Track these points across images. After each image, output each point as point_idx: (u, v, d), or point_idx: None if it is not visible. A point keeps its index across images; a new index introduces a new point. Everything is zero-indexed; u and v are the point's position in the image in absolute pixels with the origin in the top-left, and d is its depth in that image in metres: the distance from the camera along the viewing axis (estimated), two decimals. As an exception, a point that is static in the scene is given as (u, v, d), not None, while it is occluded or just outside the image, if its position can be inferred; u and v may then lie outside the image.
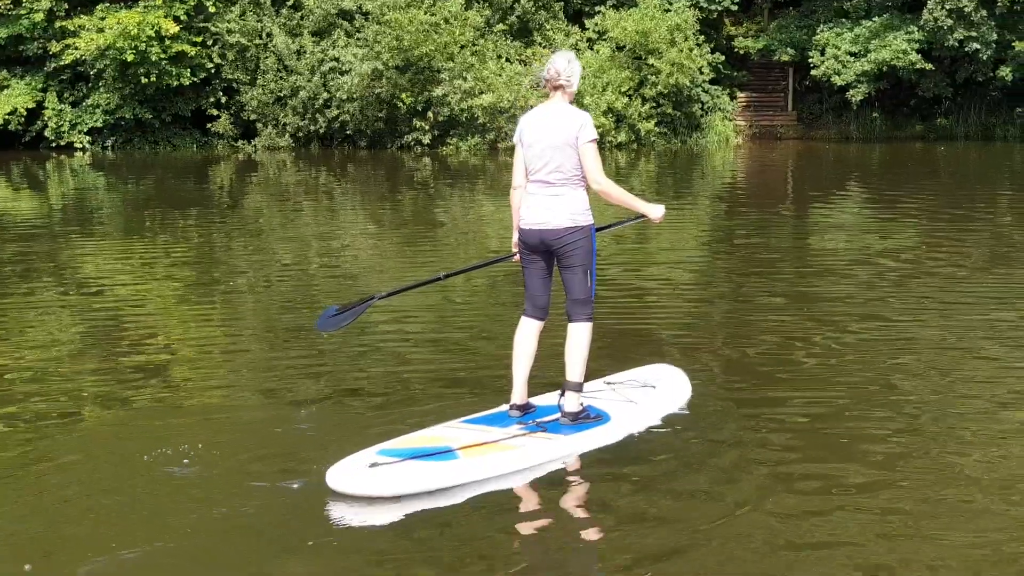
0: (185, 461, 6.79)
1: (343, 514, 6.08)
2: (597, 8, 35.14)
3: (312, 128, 33.87)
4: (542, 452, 6.74)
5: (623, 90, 32.93)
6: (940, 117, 37.05)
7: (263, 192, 24.59)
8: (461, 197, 22.84)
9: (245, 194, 24.25)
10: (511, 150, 30.27)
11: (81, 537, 5.81)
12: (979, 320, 10.40)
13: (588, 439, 6.96)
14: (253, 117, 34.46)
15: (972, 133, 36.37)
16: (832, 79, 34.85)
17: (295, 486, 6.40)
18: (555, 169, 7.04)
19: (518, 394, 7.23)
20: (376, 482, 6.23)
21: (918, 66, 33.92)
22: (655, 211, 7.40)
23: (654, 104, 33.54)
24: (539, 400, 7.45)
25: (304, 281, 13.65)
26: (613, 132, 32.64)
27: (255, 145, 34.31)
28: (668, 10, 34.36)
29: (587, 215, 7.10)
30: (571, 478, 6.63)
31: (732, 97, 37.48)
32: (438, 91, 31.87)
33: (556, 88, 7.14)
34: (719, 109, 36.09)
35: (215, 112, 34.87)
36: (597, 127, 31.48)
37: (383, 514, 6.08)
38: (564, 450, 6.82)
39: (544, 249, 7.16)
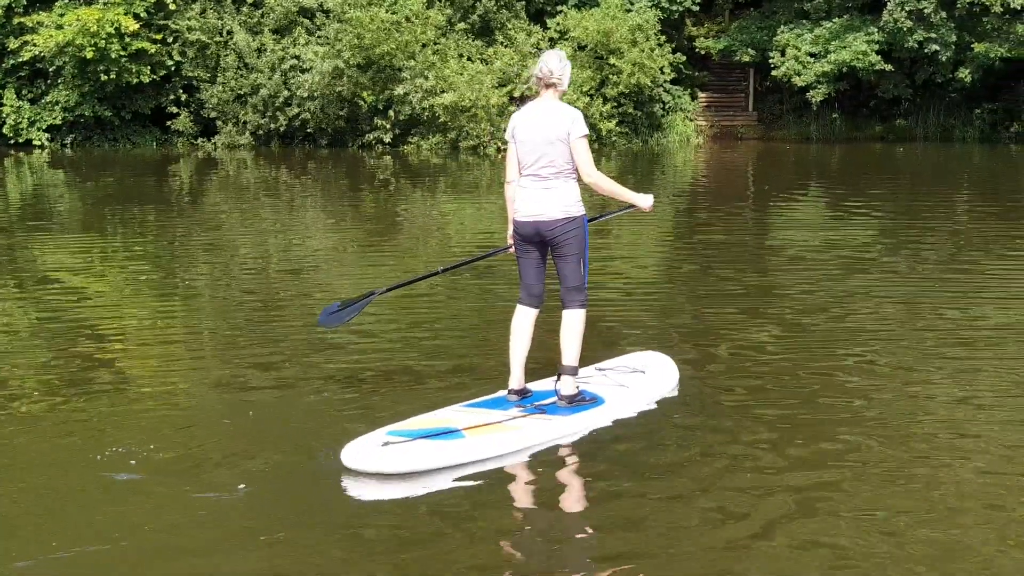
0: (132, 462, 6.75)
1: (350, 492, 6.30)
2: (559, 8, 35.16)
3: (272, 126, 33.72)
4: (542, 433, 7.13)
5: (584, 90, 32.95)
6: (899, 118, 37.22)
7: (222, 190, 24.52)
8: (422, 196, 22.82)
9: (204, 192, 24.17)
10: (472, 149, 30.79)
11: (24, 535, 5.82)
12: (937, 311, 10.75)
13: (584, 420, 7.37)
14: (213, 115, 34.29)
15: (931, 134, 36.55)
16: (792, 80, 34.97)
17: (241, 486, 6.39)
18: (547, 164, 7.39)
19: (515, 379, 7.60)
20: (389, 460, 6.58)
21: (878, 67, 34.08)
22: (644, 201, 7.82)
23: (615, 104, 33.58)
24: (534, 385, 7.80)
25: (262, 278, 13.63)
26: (574, 132, 32.56)
27: (215, 143, 34.15)
28: (629, 10, 34.41)
29: (579, 206, 7.47)
30: (569, 457, 6.98)
31: (693, 97, 37.59)
32: (399, 90, 31.80)
33: (548, 86, 7.47)
34: (680, 109, 36.19)
35: (175, 110, 34.67)
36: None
37: (388, 491, 6.43)
38: (562, 431, 7.22)
39: (539, 240, 7.51)
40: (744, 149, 35.13)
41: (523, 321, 7.63)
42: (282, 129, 33.78)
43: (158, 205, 21.32)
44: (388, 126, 32.51)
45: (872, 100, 37.13)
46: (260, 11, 34.59)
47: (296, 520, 5.98)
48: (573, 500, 6.46)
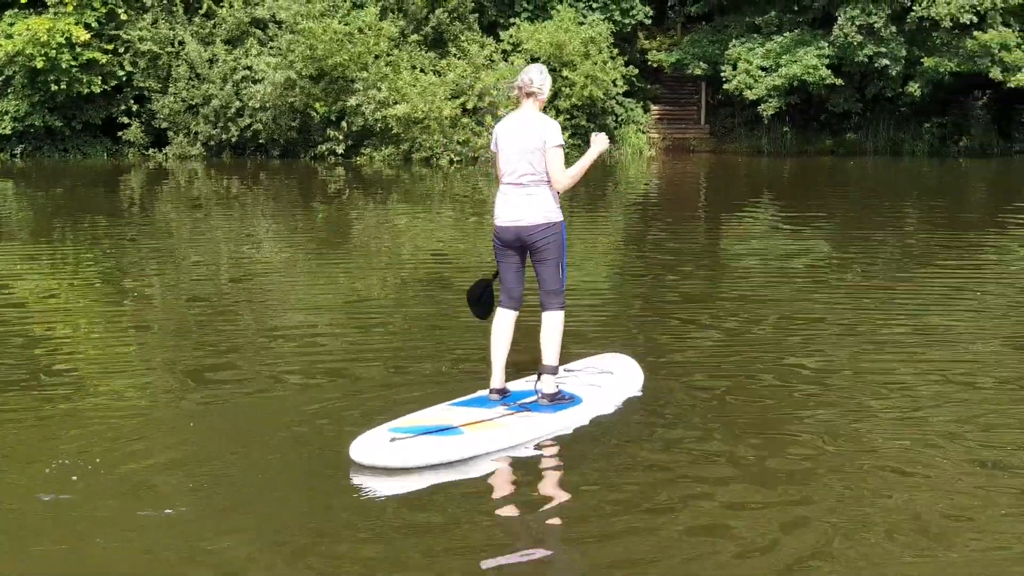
0: (74, 477, 6.72)
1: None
2: (512, 20, 35.22)
3: (224, 137, 33.55)
4: (529, 429, 7.50)
5: (537, 102, 32.94)
6: (849, 132, 37.44)
7: (173, 201, 24.38)
8: (375, 208, 22.79)
9: (155, 203, 24.02)
10: (425, 161, 30.76)
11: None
12: (887, 318, 11.03)
13: (566, 418, 7.77)
14: (164, 125, 34.08)
15: (881, 148, 36.78)
16: (744, 93, 35.14)
17: (168, 511, 6.36)
18: (526, 171, 7.77)
19: (496, 379, 7.95)
20: (398, 455, 6.93)
21: (828, 81, 34.30)
22: (599, 147, 8.05)
23: (568, 116, 33.64)
24: (512, 385, 8.17)
25: (212, 286, 13.62)
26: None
27: (166, 153, 33.94)
28: (582, 23, 34.53)
29: (558, 212, 7.86)
30: (558, 453, 7.41)
31: (646, 110, 37.72)
32: (352, 101, 31.74)
33: (528, 95, 7.85)
34: (633, 122, 36.31)
35: (126, 120, 34.45)
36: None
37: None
38: (548, 428, 7.61)
39: (519, 245, 7.88)
40: (696, 162, 35.28)
41: (503, 323, 7.97)
42: (234, 140, 33.62)
43: (109, 216, 21.19)
44: (341, 137, 32.43)
45: (822, 114, 37.36)
46: (212, 22, 34.43)
47: (235, 526, 5.97)
48: (561, 493, 6.78)
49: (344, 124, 32.30)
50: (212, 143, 33.80)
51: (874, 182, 30.04)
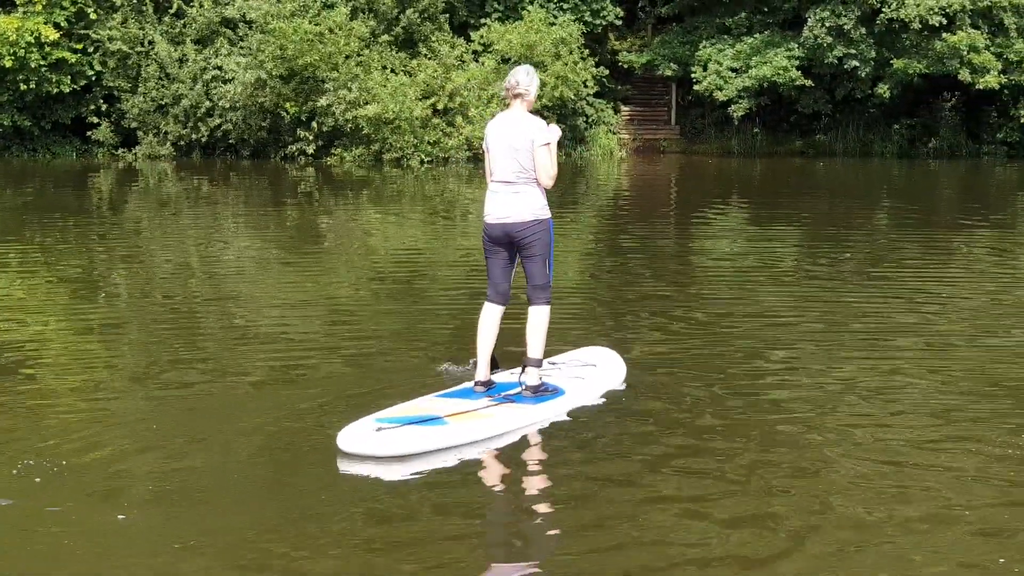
0: (37, 479, 6.69)
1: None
2: (483, 21, 35.21)
3: (194, 137, 33.43)
4: (512, 420, 7.73)
5: (507, 102, 32.97)
6: (819, 133, 37.62)
7: (143, 201, 24.29)
8: (345, 208, 22.76)
9: (124, 203, 23.92)
10: (395, 161, 30.69)
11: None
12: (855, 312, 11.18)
13: (549, 409, 8.00)
14: (134, 125, 33.93)
15: (850, 149, 36.95)
16: (714, 94, 35.23)
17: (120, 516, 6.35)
18: (515, 170, 8.00)
19: (482, 372, 8.19)
20: (383, 444, 7.12)
21: (798, 83, 34.42)
22: (554, 136, 8.17)
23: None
24: (496, 378, 8.36)
25: (181, 285, 13.58)
26: (498, 144, 32.69)
27: (136, 153, 33.79)
28: (553, 24, 34.53)
29: (545, 210, 8.09)
30: (540, 442, 7.64)
31: (616, 111, 37.77)
32: (322, 101, 31.66)
33: (516, 96, 8.13)
34: (603, 122, 36.34)
35: (96, 120, 34.30)
36: (482, 139, 31.76)
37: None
38: (532, 418, 7.83)
39: (507, 241, 8.09)
40: (667, 162, 35.36)
41: (490, 317, 8.20)
42: (204, 140, 33.50)
43: (77, 215, 21.10)
44: (311, 137, 32.34)
45: (792, 115, 37.51)
46: (182, 21, 34.31)
47: (208, 526, 5.97)
48: (541, 481, 7.00)
49: (314, 124, 32.21)
50: (182, 143, 33.67)
51: (845, 183, 30.16)
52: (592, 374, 8.67)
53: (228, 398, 8.44)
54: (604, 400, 8.38)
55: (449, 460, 7.17)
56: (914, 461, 7.07)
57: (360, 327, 11.19)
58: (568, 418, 7.99)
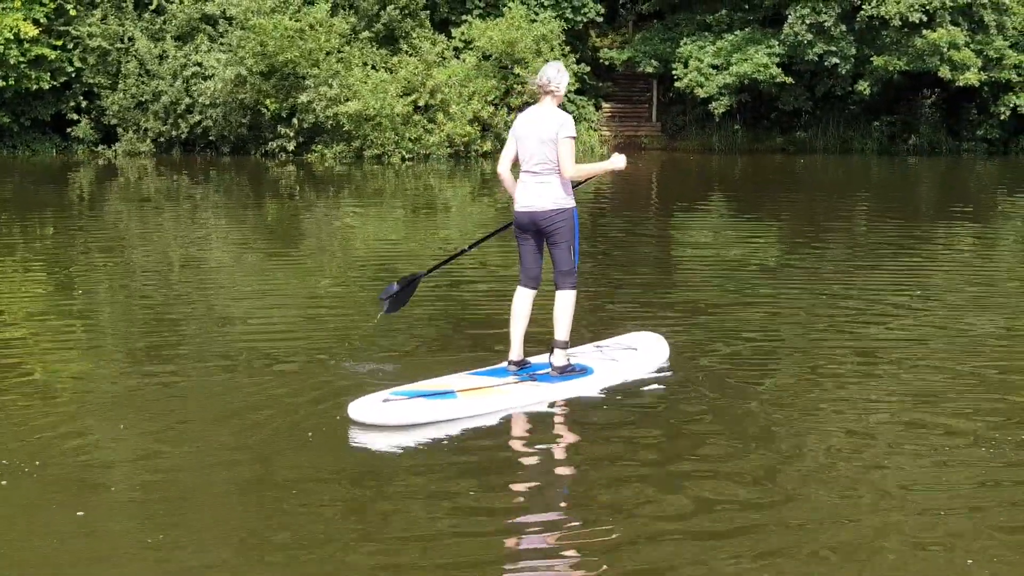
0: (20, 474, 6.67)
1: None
2: (464, 17, 35.20)
3: (174, 133, 33.37)
4: (528, 395, 8.18)
5: (489, 99, 33.04)
6: (800, 130, 37.65)
7: (122, 197, 24.22)
8: (326, 205, 22.71)
9: (104, 199, 23.85)
10: (376, 158, 30.64)
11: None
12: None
13: (569, 387, 8.40)
14: (114, 122, 33.85)
15: (831, 146, 36.98)
16: (695, 91, 35.25)
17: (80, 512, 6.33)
18: (541, 161, 8.40)
19: (515, 351, 8.61)
20: (388, 414, 7.59)
21: (778, 79, 34.46)
22: (618, 163, 8.71)
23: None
24: (535, 359, 8.74)
25: (160, 280, 13.54)
26: (479, 141, 32.74)
27: (116, 150, 33.70)
28: (534, 21, 34.54)
29: (570, 199, 8.47)
30: (549, 417, 8.07)
31: (597, 107, 37.80)
32: (303, 98, 31.61)
33: (546, 93, 8.53)
34: (585, 119, 36.34)
35: (75, 117, 34.19)
36: (463, 136, 31.89)
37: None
38: (547, 395, 8.26)
39: (534, 228, 8.49)
40: (648, 159, 35.36)
41: (522, 301, 8.60)
42: (184, 136, 33.45)
43: (57, 212, 21.02)
44: (291, 134, 32.28)
45: (773, 112, 37.55)
46: (162, 18, 34.21)
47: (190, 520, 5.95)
48: (541, 452, 7.40)
49: (295, 121, 32.15)
50: (162, 140, 33.60)
51: (826, 179, 30.23)
52: (629, 357, 9.01)
53: (205, 388, 8.47)
54: (633, 382, 8.67)
55: (452, 431, 7.59)
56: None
57: (338, 319, 11.18)
58: (586, 398, 8.34)
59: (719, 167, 33.25)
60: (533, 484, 6.83)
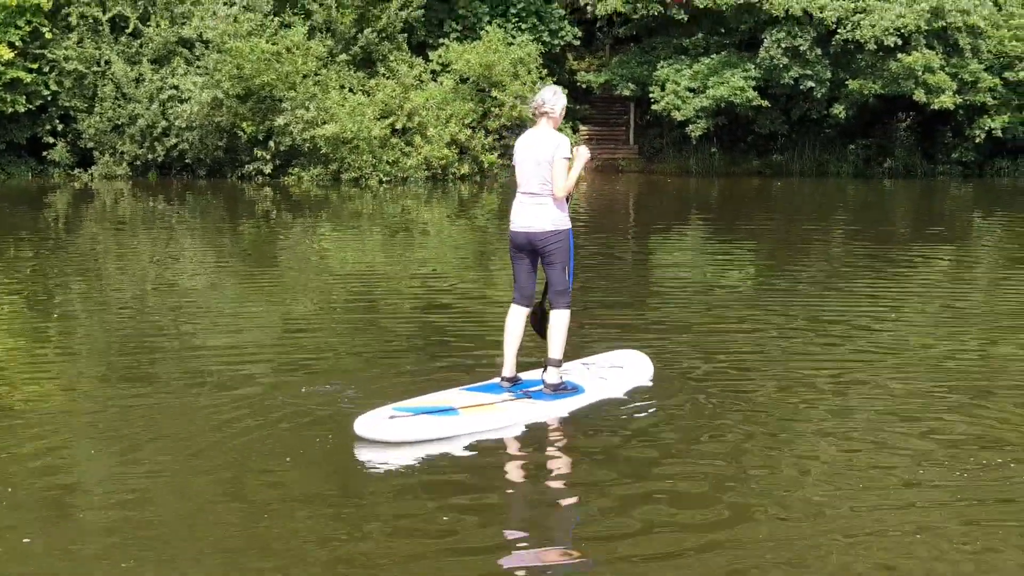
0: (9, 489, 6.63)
1: None
2: (441, 40, 35.24)
3: (151, 157, 33.24)
4: (525, 414, 8.39)
5: (467, 122, 33.06)
6: (776, 153, 37.80)
7: (99, 221, 24.14)
8: (303, 228, 22.67)
9: (80, 223, 23.76)
10: (354, 181, 30.62)
11: None
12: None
13: (564, 405, 8.63)
14: (90, 145, 33.72)
15: (807, 169, 37.12)
16: (672, 114, 35.35)
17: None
18: (539, 182, 8.58)
19: (508, 368, 8.80)
20: (395, 431, 7.76)
21: (755, 103, 34.62)
22: (585, 155, 9.02)
23: (497, 136, 33.69)
24: (525, 375, 9.01)
25: (135, 305, 13.49)
26: (457, 164, 32.75)
27: (92, 174, 33.57)
28: (511, 44, 34.59)
29: (565, 221, 8.69)
30: (547, 435, 8.28)
31: (575, 130, 37.82)
32: (280, 120, 31.57)
33: (542, 115, 8.76)
34: (562, 142, 36.30)
35: (51, 140, 34.05)
36: (440, 159, 31.90)
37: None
38: (544, 413, 8.48)
39: (530, 248, 8.68)
40: (626, 181, 35.45)
41: (515, 318, 8.79)
42: (160, 159, 33.33)
43: (32, 236, 20.94)
44: (268, 157, 32.21)
45: (749, 135, 37.70)
46: (138, 41, 34.11)
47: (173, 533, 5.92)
48: (545, 469, 7.64)
49: (272, 144, 32.10)
50: (138, 163, 33.48)
51: (802, 202, 30.33)
52: (616, 375, 9.24)
53: (177, 410, 8.42)
54: (621, 399, 8.89)
55: (455, 448, 7.75)
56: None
57: (315, 340, 11.18)
58: (579, 415, 8.53)
59: (696, 190, 33.35)
60: (521, 504, 6.93)
